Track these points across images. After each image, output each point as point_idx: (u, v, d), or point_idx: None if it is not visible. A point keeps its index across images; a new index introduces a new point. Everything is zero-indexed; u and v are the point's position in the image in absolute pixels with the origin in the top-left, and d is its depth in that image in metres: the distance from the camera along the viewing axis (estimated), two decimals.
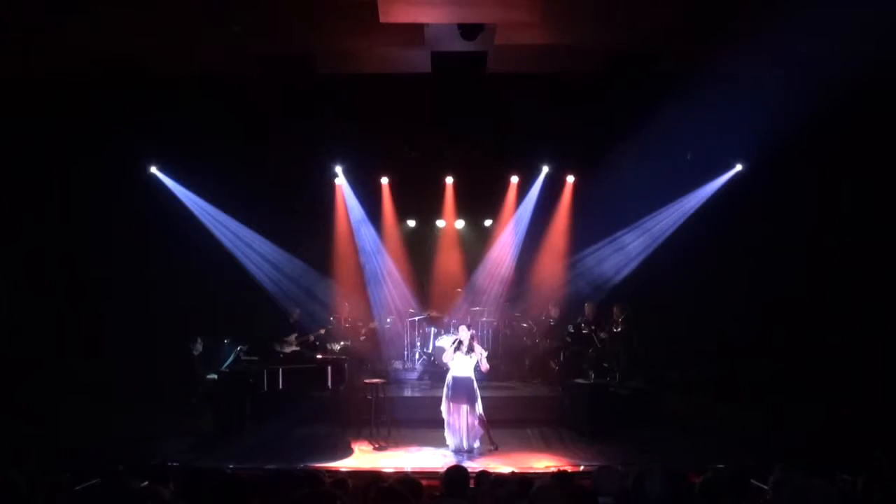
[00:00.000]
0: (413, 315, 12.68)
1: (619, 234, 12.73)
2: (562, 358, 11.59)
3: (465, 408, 9.00)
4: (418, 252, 13.85)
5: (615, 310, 11.29)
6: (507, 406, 10.60)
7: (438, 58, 9.34)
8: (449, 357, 9.26)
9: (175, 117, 10.40)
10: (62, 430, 9.35)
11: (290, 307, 12.15)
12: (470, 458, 8.65)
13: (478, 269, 13.53)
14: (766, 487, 4.34)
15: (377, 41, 8.81)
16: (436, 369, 11.78)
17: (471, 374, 9.12)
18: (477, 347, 9.24)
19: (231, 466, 7.57)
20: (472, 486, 4.95)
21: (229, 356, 10.24)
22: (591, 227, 12.57)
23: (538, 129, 11.28)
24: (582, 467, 7.78)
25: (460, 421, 8.99)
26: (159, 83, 9.68)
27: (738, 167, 11.92)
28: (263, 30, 8.56)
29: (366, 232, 13.23)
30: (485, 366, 9.29)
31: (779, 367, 11.32)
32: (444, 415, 9.11)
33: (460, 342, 9.20)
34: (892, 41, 7.63)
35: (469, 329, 9.45)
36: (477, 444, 9.02)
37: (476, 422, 9.02)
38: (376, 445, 9.38)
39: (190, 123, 10.55)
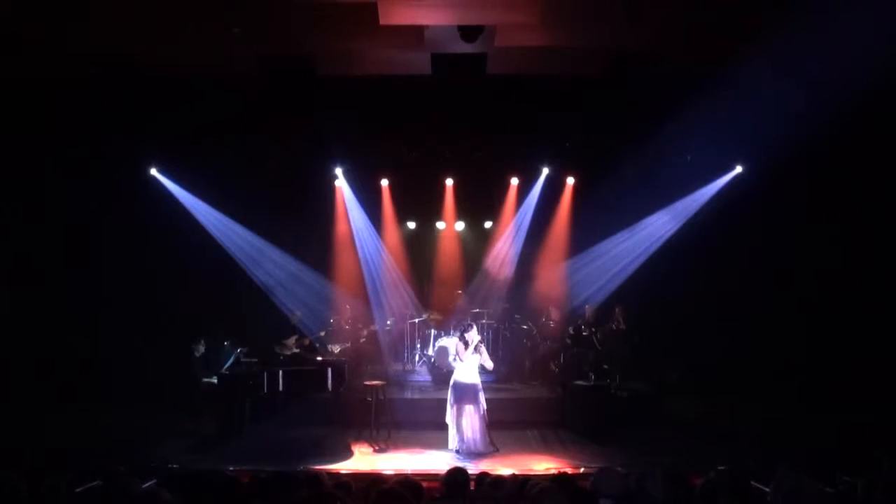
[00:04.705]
0: (413, 317, 12.67)
1: (619, 235, 12.72)
2: (562, 359, 11.59)
3: (470, 408, 9.03)
4: (418, 254, 13.85)
5: (617, 311, 11.29)
6: (507, 408, 10.59)
7: (438, 59, 9.35)
8: (454, 358, 9.31)
9: (175, 119, 10.41)
10: (62, 431, 9.34)
11: (290, 309, 12.14)
12: (471, 460, 8.65)
13: (478, 271, 13.53)
14: (766, 489, 4.33)
15: (377, 43, 8.82)
16: (436, 371, 11.79)
17: (476, 376, 9.16)
18: (482, 347, 9.30)
19: (231, 468, 7.58)
20: (472, 488, 4.94)
21: (229, 358, 10.23)
22: (591, 228, 12.56)
23: (538, 131, 11.28)
24: (582, 469, 7.79)
25: (464, 422, 9.01)
26: (159, 84, 9.68)
27: (738, 169, 11.91)
28: (264, 31, 8.57)
29: (366, 234, 13.23)
30: (489, 364, 9.33)
31: (779, 368, 11.31)
32: (449, 417, 9.12)
33: (466, 342, 9.23)
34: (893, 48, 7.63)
35: (479, 334, 9.51)
36: (480, 447, 9.02)
37: (480, 423, 9.03)
38: (376, 447, 9.37)
39: (190, 125, 10.56)
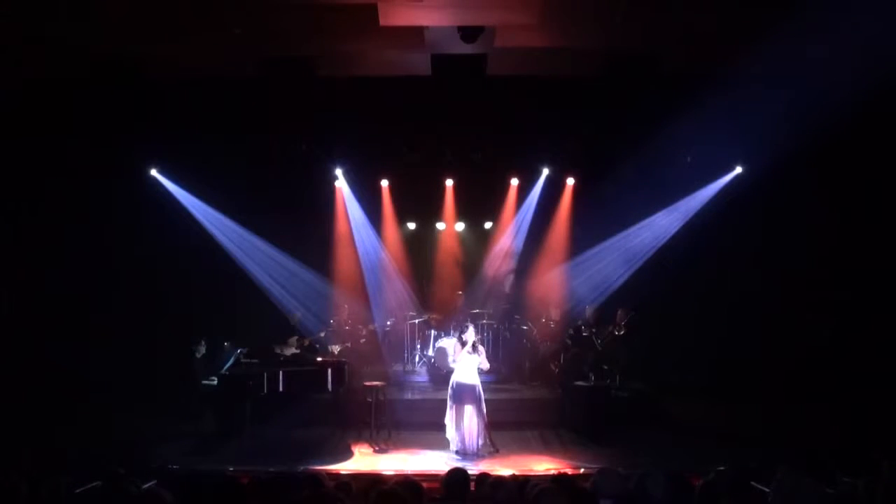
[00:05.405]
0: (413, 317, 12.67)
1: (619, 236, 12.71)
2: (562, 360, 11.58)
3: (469, 409, 9.02)
4: (418, 254, 13.84)
5: (620, 312, 11.28)
6: (507, 408, 10.59)
7: (438, 60, 9.36)
8: (452, 360, 9.32)
9: (175, 120, 10.42)
10: (62, 432, 9.34)
11: (290, 309, 12.14)
12: (471, 461, 8.65)
13: (478, 272, 13.52)
14: (766, 490, 4.33)
15: (377, 44, 8.83)
16: (436, 372, 11.78)
17: (475, 376, 9.16)
18: (480, 347, 9.32)
19: (231, 469, 7.59)
20: (472, 488, 4.94)
21: (229, 359, 10.22)
22: (591, 229, 12.56)
23: (538, 132, 11.28)
24: (582, 470, 7.77)
25: (464, 423, 9.01)
26: (160, 85, 9.69)
27: (738, 169, 11.92)
28: (264, 32, 8.58)
29: (366, 234, 13.23)
30: (486, 365, 9.33)
31: (779, 369, 11.32)
32: (448, 417, 9.12)
33: (463, 342, 9.23)
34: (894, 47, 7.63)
35: (476, 334, 9.50)
36: (480, 447, 9.03)
37: (480, 424, 9.03)
38: (376, 448, 9.38)
39: (190, 126, 10.56)
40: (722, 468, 6.40)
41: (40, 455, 7.46)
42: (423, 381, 12.08)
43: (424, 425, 9.87)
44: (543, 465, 8.45)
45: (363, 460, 8.94)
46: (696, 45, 8.95)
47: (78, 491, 4.66)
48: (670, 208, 12.44)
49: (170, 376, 10.63)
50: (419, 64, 9.44)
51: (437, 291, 13.64)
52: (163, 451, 8.85)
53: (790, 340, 11.42)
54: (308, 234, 12.81)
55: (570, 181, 12.90)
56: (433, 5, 7.90)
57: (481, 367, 9.27)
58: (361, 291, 13.17)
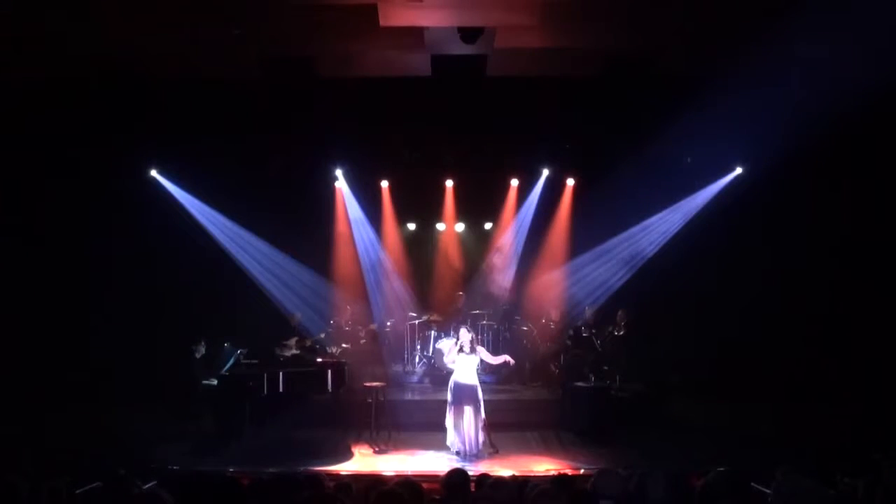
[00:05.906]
0: (413, 318, 12.67)
1: (619, 236, 12.72)
2: (562, 361, 11.58)
3: (469, 409, 9.00)
4: (418, 255, 13.84)
5: (620, 313, 11.28)
6: (507, 409, 10.59)
7: (438, 61, 9.36)
8: (450, 360, 9.29)
9: (176, 120, 10.42)
10: (62, 433, 9.34)
11: (290, 310, 12.14)
12: (471, 462, 8.65)
13: (478, 273, 13.52)
14: (767, 491, 4.33)
15: (377, 44, 8.84)
16: (436, 372, 11.78)
17: (475, 377, 9.14)
18: (479, 348, 9.28)
19: (231, 469, 7.59)
20: (472, 489, 4.94)
21: (230, 359, 10.22)
22: (591, 229, 12.56)
23: (538, 133, 11.29)
24: (582, 470, 7.78)
25: (464, 424, 8.99)
26: (160, 86, 9.70)
27: (739, 170, 11.92)
28: (264, 33, 8.58)
29: (366, 235, 13.23)
30: (497, 360, 9.28)
31: (780, 369, 11.31)
32: (448, 418, 9.11)
33: (461, 344, 9.22)
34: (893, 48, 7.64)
35: (469, 332, 9.46)
36: (480, 448, 9.02)
37: (480, 425, 9.02)
38: (376, 449, 9.37)
39: (190, 126, 10.56)
40: (722, 468, 6.40)
41: (40, 455, 7.46)
42: (423, 382, 12.07)
43: (424, 426, 9.87)
44: (543, 466, 8.45)
45: (363, 461, 8.94)
46: (696, 45, 8.95)
47: (78, 491, 4.66)
48: (670, 209, 12.45)
49: (170, 376, 10.62)
50: (419, 64, 9.45)
51: (437, 292, 13.65)
52: (163, 452, 8.85)
53: (790, 340, 11.41)
54: (308, 234, 12.81)
55: (570, 182, 12.90)
56: (433, 6, 7.91)
57: (490, 361, 9.22)
58: (361, 292, 13.17)
